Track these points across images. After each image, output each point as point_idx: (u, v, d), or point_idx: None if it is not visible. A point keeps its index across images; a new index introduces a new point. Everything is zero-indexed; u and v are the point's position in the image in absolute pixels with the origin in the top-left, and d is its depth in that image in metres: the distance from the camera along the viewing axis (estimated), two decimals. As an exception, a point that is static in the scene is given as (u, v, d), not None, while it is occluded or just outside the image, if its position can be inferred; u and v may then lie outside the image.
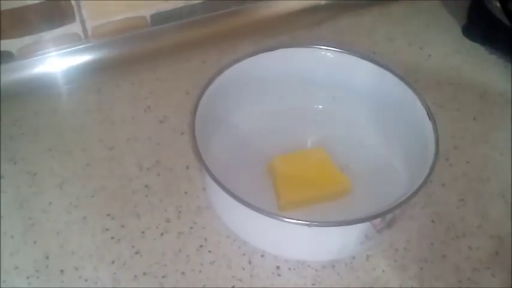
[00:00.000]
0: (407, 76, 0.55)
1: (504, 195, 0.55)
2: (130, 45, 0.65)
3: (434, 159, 0.47)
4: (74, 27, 0.62)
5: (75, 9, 0.60)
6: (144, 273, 0.49)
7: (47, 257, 0.49)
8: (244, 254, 0.50)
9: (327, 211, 0.51)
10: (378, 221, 0.44)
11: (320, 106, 0.59)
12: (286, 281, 0.49)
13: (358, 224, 0.45)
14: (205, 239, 0.51)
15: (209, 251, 0.50)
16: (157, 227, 0.52)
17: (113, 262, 0.49)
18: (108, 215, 0.52)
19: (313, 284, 0.49)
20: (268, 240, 0.49)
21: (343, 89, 0.57)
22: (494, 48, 0.68)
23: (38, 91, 0.61)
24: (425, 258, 0.50)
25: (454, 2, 0.73)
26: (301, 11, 0.71)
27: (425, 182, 0.46)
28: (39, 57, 0.62)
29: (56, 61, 0.63)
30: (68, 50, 0.63)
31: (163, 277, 0.49)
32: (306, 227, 0.44)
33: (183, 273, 0.49)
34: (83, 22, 0.62)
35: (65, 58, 0.63)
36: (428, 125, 0.50)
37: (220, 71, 0.52)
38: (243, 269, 0.49)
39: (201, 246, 0.51)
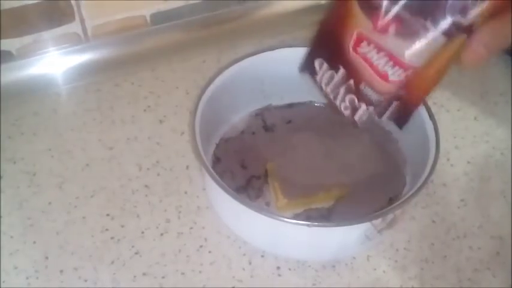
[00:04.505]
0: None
1: (505, 195, 0.55)
2: (130, 44, 0.65)
3: (435, 159, 0.47)
4: (74, 27, 0.62)
5: (75, 8, 0.60)
6: (144, 274, 0.49)
7: (47, 257, 0.49)
8: (244, 254, 0.50)
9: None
10: (378, 221, 0.44)
11: (320, 106, 0.59)
12: (286, 281, 0.49)
13: (359, 224, 0.45)
14: (205, 239, 0.51)
15: (209, 251, 0.50)
16: (157, 227, 0.51)
17: (113, 262, 0.49)
18: (108, 215, 0.52)
19: (314, 284, 0.49)
20: (268, 240, 0.49)
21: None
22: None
23: (37, 91, 0.61)
24: (426, 259, 0.50)
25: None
26: (301, 11, 0.71)
27: (426, 182, 0.45)
28: (38, 56, 0.62)
29: (55, 61, 0.63)
30: (67, 49, 0.63)
31: (163, 277, 0.48)
32: (306, 227, 0.44)
33: (183, 273, 0.49)
34: (82, 22, 0.62)
35: (64, 58, 0.63)
36: (429, 125, 0.50)
37: (220, 71, 0.52)
38: (243, 269, 0.49)
39: (201, 246, 0.50)
